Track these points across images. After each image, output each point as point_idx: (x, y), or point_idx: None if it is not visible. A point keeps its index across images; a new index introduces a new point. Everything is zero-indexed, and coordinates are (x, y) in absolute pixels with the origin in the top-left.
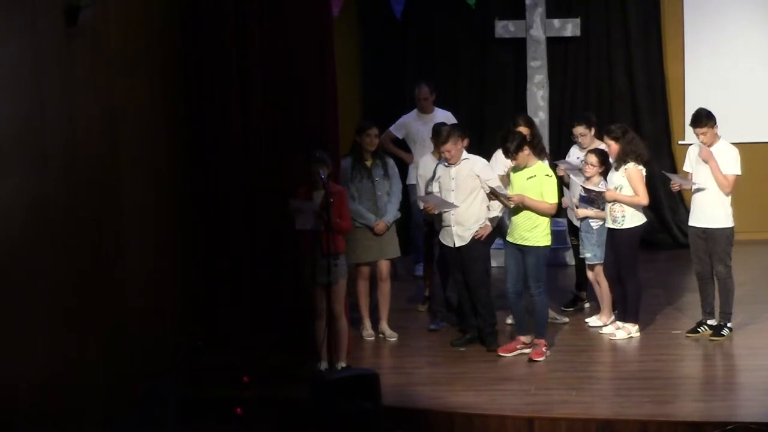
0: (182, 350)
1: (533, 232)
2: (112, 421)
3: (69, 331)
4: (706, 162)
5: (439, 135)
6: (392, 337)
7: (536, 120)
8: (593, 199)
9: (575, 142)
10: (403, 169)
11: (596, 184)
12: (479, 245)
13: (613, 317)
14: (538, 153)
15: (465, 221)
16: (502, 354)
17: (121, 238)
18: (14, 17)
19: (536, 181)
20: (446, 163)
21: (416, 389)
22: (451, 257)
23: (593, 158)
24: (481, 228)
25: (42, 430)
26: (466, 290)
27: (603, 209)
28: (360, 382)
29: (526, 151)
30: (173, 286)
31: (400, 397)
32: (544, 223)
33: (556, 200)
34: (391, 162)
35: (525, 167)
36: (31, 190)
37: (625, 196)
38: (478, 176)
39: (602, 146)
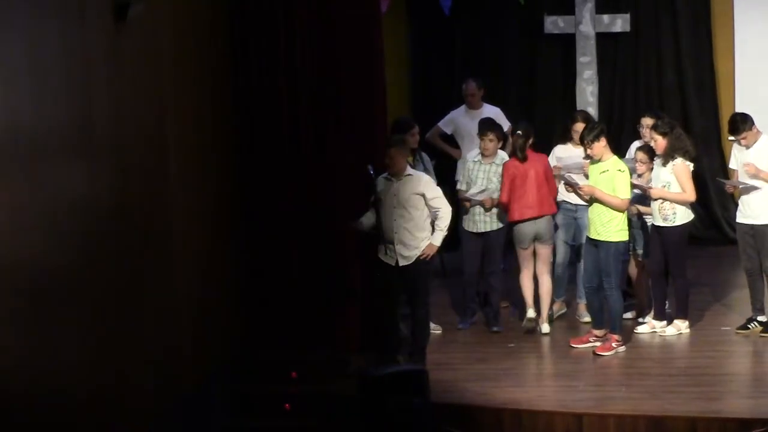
0: (231, 346)
1: (607, 226)
2: (160, 418)
3: (120, 328)
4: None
5: (399, 142)
6: (437, 329)
7: None
8: (646, 195)
9: (640, 134)
10: (452, 165)
11: (648, 181)
12: (423, 263)
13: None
14: None
15: (409, 240)
16: (574, 345)
17: (169, 237)
18: (63, 11)
19: (608, 175)
20: (388, 176)
21: (464, 385)
22: (391, 276)
23: (642, 155)
24: (426, 246)
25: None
26: (408, 308)
27: (650, 205)
28: (408, 378)
29: (603, 142)
30: (221, 282)
31: (448, 393)
32: (619, 218)
33: (628, 196)
34: (426, 157)
35: (599, 161)
36: (78, 186)
37: (671, 193)
38: (423, 195)
39: None
